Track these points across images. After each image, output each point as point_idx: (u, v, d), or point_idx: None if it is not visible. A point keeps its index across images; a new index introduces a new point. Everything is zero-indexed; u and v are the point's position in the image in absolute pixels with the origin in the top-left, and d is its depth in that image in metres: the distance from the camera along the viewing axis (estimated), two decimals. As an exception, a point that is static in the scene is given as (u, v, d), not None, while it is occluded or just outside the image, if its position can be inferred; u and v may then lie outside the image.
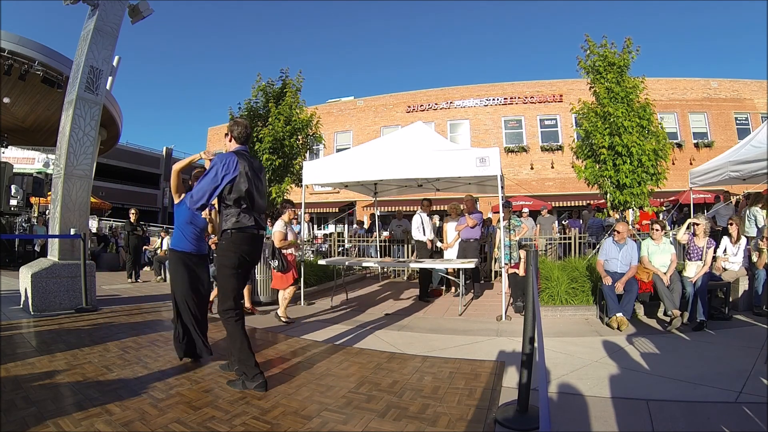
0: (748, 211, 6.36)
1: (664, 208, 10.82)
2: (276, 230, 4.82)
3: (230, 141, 2.89)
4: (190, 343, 3.20)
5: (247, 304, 5.23)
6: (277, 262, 4.70)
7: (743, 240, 5.02)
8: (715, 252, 4.85)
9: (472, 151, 5.16)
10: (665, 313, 4.31)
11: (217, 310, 2.76)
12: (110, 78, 9.71)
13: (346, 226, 17.31)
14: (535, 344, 2.12)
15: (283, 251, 4.80)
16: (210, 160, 2.88)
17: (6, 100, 9.51)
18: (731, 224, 5.04)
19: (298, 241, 4.85)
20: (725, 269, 4.91)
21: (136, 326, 4.41)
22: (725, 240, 5.09)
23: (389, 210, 15.98)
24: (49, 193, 10.45)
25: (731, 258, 4.94)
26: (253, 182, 2.75)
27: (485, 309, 5.48)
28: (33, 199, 13.40)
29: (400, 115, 19.35)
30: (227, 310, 2.71)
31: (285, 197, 8.83)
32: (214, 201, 2.80)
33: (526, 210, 10.18)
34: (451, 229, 6.68)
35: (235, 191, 2.68)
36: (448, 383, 2.78)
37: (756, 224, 6.39)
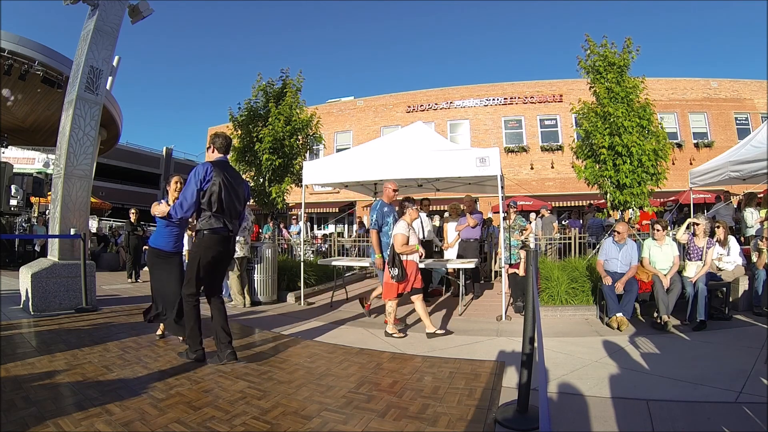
0: (743, 212, 6.40)
1: (666, 209, 10.82)
2: (397, 233, 4.13)
3: (213, 152, 3.23)
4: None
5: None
6: (397, 270, 4.07)
7: (732, 240, 5.02)
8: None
9: (472, 151, 5.16)
10: (659, 317, 4.27)
11: (182, 292, 3.20)
12: (110, 78, 9.72)
13: (346, 226, 17.31)
14: (535, 344, 2.12)
15: (404, 257, 4.13)
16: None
17: (6, 92, 9.42)
18: (718, 227, 5.05)
19: (420, 249, 4.28)
20: (720, 269, 4.92)
21: (136, 326, 4.40)
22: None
23: (389, 210, 15.95)
24: (49, 193, 10.46)
25: (724, 258, 4.95)
26: (226, 189, 3.08)
27: (485, 309, 5.48)
28: (33, 199, 13.40)
29: (400, 115, 19.34)
30: (190, 295, 3.13)
31: (285, 197, 8.84)
32: None
33: (543, 209, 10.13)
34: (451, 229, 6.68)
35: (207, 196, 3.01)
36: (448, 383, 2.78)
37: (745, 224, 6.41)
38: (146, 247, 4.37)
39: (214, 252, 3.08)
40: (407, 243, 4.15)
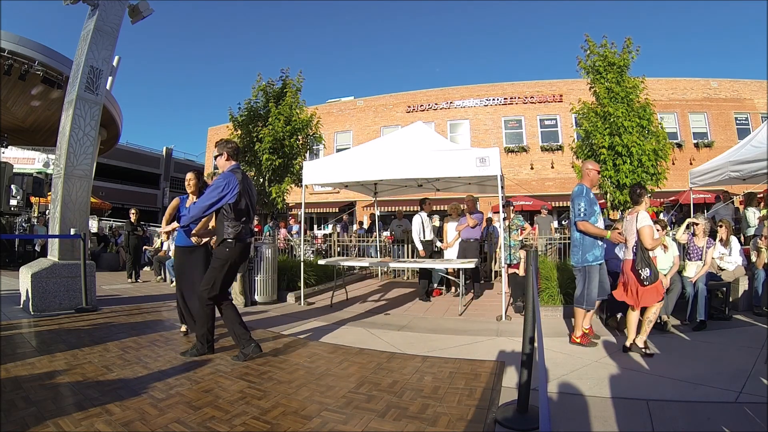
0: (745, 212, 6.40)
1: (663, 208, 10.83)
2: (645, 225, 3.46)
3: (226, 159, 3.29)
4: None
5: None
6: (649, 270, 3.34)
7: (733, 240, 5.02)
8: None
9: (472, 151, 5.16)
10: (659, 317, 4.27)
11: (202, 296, 3.24)
12: (110, 78, 9.73)
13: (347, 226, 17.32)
14: (535, 344, 2.12)
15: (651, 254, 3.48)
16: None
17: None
18: (721, 226, 5.05)
19: (665, 240, 3.61)
20: (721, 269, 4.92)
21: (136, 326, 4.41)
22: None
23: (389, 210, 15.98)
24: (49, 193, 10.46)
25: (726, 257, 4.95)
26: (248, 196, 3.23)
27: (485, 309, 5.48)
28: (33, 199, 13.40)
29: (400, 115, 19.35)
30: (209, 298, 3.21)
31: (285, 197, 8.84)
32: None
33: (543, 209, 10.17)
34: (451, 229, 6.68)
35: (236, 208, 3.12)
36: (448, 383, 2.78)
37: (747, 224, 6.40)
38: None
39: (242, 258, 3.29)
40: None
